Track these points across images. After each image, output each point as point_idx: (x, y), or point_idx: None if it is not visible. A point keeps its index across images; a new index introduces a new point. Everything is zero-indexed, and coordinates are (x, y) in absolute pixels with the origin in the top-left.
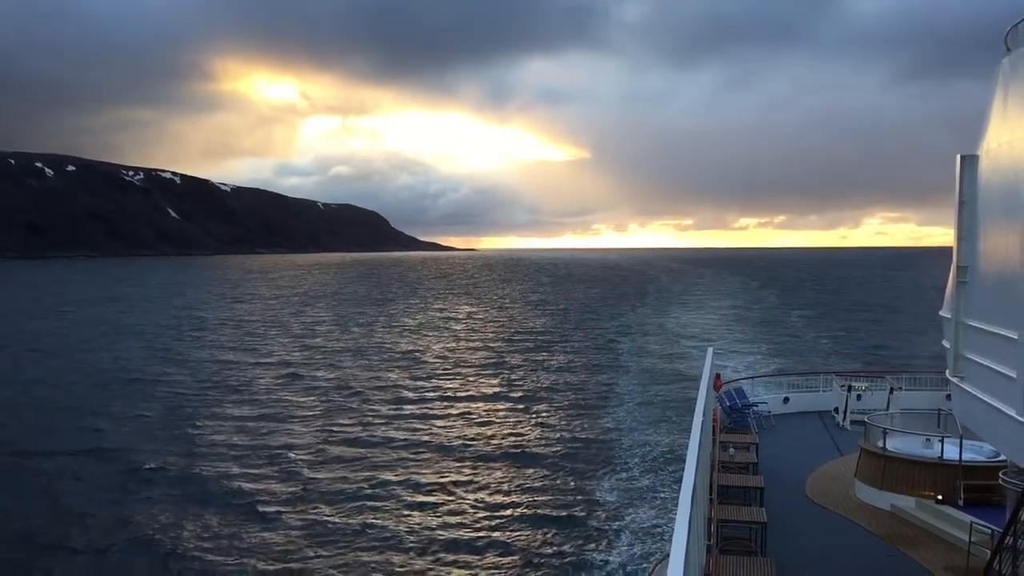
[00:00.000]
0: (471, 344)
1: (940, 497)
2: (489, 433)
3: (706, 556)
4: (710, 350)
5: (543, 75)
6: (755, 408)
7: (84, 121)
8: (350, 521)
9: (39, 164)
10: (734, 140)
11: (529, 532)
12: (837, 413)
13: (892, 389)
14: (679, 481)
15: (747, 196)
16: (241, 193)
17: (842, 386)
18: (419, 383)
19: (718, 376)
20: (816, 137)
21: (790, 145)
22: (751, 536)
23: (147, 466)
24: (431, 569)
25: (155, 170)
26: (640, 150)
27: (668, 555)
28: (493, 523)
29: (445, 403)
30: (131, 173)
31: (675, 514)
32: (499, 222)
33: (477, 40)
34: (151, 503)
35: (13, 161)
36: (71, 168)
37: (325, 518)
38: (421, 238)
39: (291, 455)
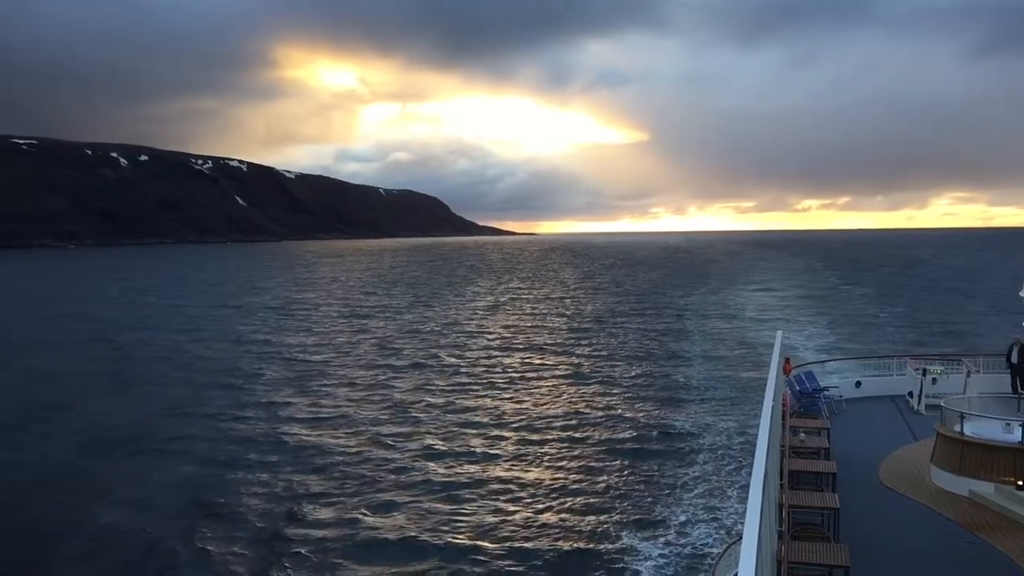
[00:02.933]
0: (538, 326)
1: (1021, 483)
2: (553, 413)
3: (777, 542)
4: (779, 333)
5: (602, 57)
6: (826, 392)
7: (153, 111)
8: (424, 489)
9: (114, 154)
10: (797, 120)
11: (591, 514)
12: (911, 397)
13: (969, 372)
14: (748, 466)
15: (810, 177)
16: (305, 180)
17: (916, 369)
18: (490, 363)
19: (787, 360)
20: (883, 116)
21: (855, 125)
22: (823, 522)
23: (242, 435)
24: (495, 546)
25: (222, 158)
26: (700, 131)
27: (736, 540)
28: (554, 503)
29: (517, 384)
30: (200, 162)
31: (744, 500)
32: (557, 206)
33: (537, 23)
34: (245, 470)
35: (90, 152)
36: (144, 158)
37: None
38: (480, 223)
39: (379, 429)
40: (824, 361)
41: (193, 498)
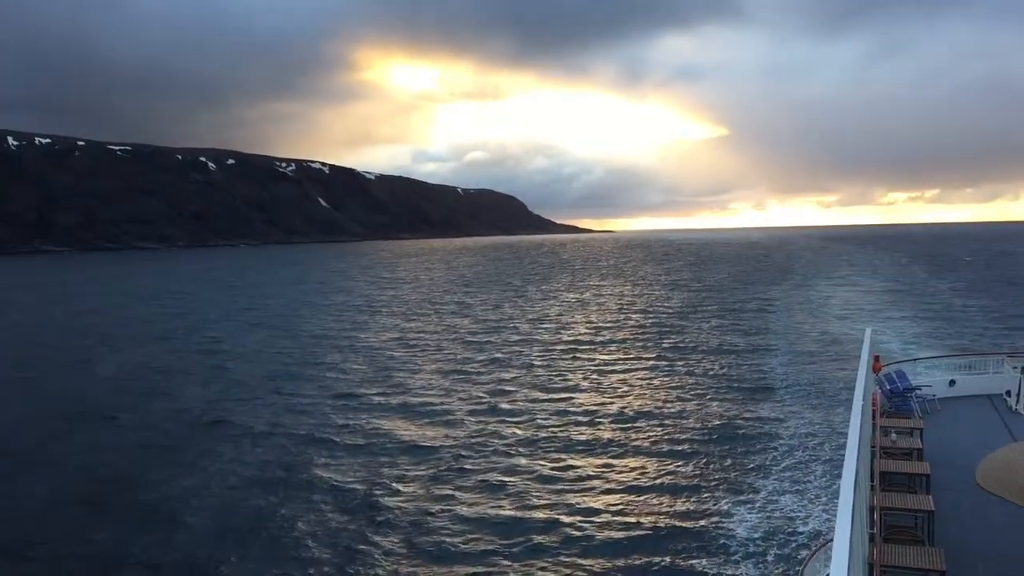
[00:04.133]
0: (620, 320)
1: None
2: (638, 404)
3: (869, 545)
4: (868, 330)
5: (679, 51)
6: (918, 391)
7: (238, 115)
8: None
9: (203, 159)
10: (883, 111)
11: (671, 512)
12: (1010, 396)
13: None
14: (836, 467)
15: (896, 170)
16: (384, 180)
17: (1015, 367)
18: (576, 356)
19: (876, 358)
20: (974, 105)
21: (944, 115)
22: (916, 525)
23: (339, 421)
24: (574, 542)
25: (305, 161)
26: (781, 124)
27: (825, 543)
28: (635, 501)
29: (602, 374)
30: (284, 165)
31: (834, 501)
32: (633, 203)
33: (612, 18)
34: (328, 458)
35: (180, 157)
36: (231, 162)
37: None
38: (557, 221)
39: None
40: (915, 359)
41: (283, 478)
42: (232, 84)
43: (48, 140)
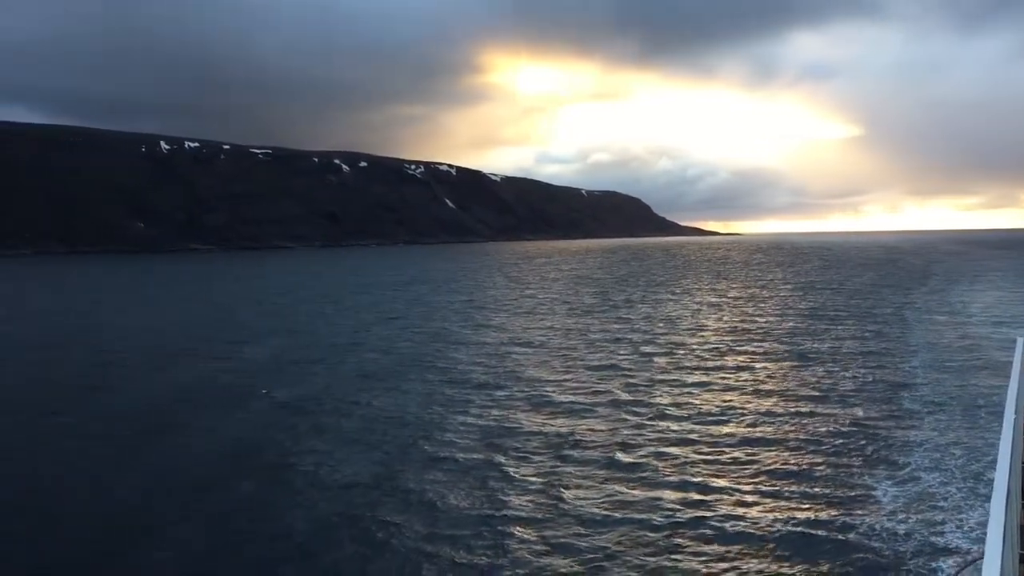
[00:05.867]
0: (752, 323)
1: None
2: (761, 411)
3: (1020, 566)
4: (1020, 340)
5: (809, 49)
6: None
7: (369, 118)
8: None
9: (337, 161)
10: None
11: (797, 527)
12: None
13: None
14: (980, 483)
15: None
16: (510, 182)
17: None
18: (709, 357)
19: None
20: None
21: None
22: None
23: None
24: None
25: (433, 163)
26: (918, 124)
27: (970, 563)
28: (755, 512)
29: (736, 375)
30: (413, 167)
31: (982, 519)
32: (760, 205)
33: (741, 17)
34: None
35: (316, 159)
36: (363, 164)
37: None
38: (682, 223)
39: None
40: None
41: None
42: (363, 88)
43: (196, 144)
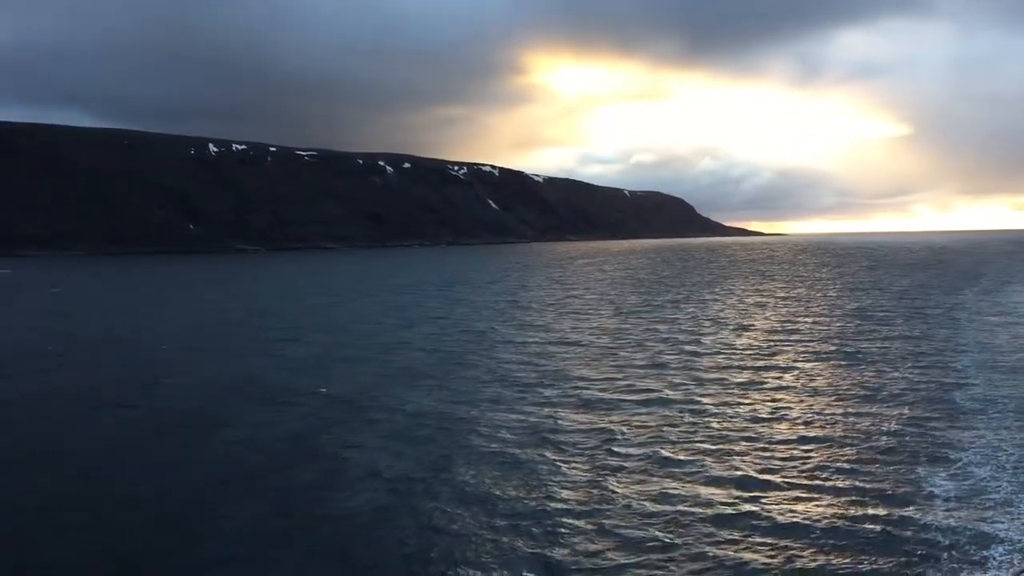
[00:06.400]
0: (800, 324)
1: None
2: (811, 409)
3: None
4: None
5: (856, 47)
6: None
7: (412, 120)
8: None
9: (381, 162)
10: None
11: (849, 520)
12: None
13: None
14: None
15: None
16: (552, 183)
17: None
18: (758, 357)
19: None
20: None
21: None
22: None
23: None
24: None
25: (476, 164)
26: (969, 121)
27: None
28: (808, 506)
29: (790, 376)
30: (456, 168)
31: None
32: (804, 205)
33: (786, 15)
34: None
35: (360, 161)
36: (407, 165)
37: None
38: (726, 223)
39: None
40: None
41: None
42: (407, 89)
43: (244, 147)
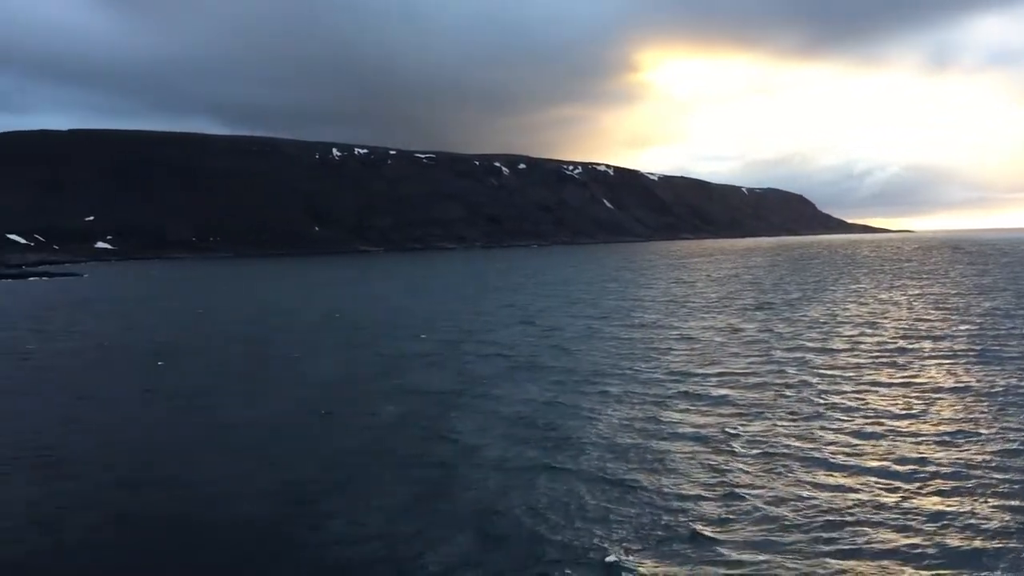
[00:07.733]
0: (934, 325)
1: None
2: (944, 411)
3: None
4: None
5: (992, 34)
6: None
7: (527, 121)
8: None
9: (497, 164)
10: None
11: (986, 521)
12: None
13: None
14: None
15: None
16: (667, 181)
17: None
18: (891, 358)
19: None
20: None
21: None
22: None
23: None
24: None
25: (591, 164)
26: None
27: None
28: (941, 506)
29: (918, 378)
30: (571, 168)
31: None
32: (933, 200)
33: (916, 3)
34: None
35: (478, 163)
36: (522, 166)
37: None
38: (848, 220)
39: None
40: None
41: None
42: (521, 91)
43: (365, 150)
